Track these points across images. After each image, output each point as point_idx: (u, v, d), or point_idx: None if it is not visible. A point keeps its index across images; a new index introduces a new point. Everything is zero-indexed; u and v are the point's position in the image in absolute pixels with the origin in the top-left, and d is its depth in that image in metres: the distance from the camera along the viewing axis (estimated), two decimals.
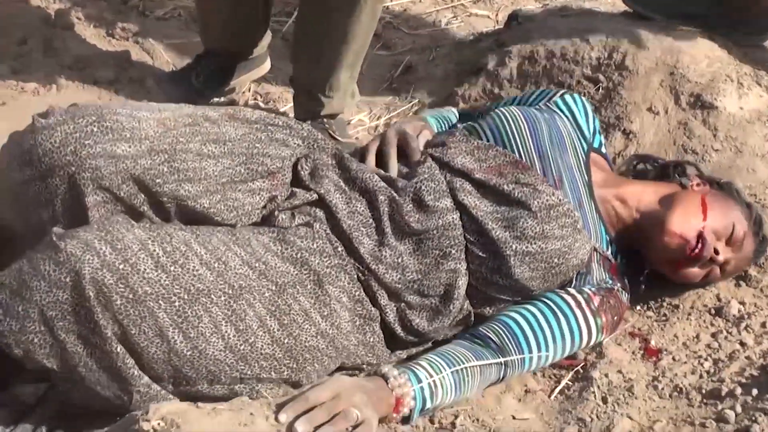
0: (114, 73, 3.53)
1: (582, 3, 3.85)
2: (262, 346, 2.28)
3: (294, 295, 2.34)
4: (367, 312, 2.48)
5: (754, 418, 2.44)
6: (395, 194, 2.53)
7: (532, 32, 3.64)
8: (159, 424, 2.08)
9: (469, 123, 2.80)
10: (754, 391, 2.53)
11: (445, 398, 2.37)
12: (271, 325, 2.29)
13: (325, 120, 3.36)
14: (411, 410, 2.30)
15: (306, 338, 2.34)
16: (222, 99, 3.61)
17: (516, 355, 2.50)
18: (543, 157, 2.66)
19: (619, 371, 2.64)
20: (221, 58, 3.55)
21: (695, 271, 2.75)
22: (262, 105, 3.64)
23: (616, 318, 2.68)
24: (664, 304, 2.87)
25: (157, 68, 3.69)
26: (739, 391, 2.55)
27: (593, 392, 2.56)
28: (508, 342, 2.50)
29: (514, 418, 2.50)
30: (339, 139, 3.34)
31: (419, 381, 2.31)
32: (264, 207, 2.48)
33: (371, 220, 2.51)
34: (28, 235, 2.31)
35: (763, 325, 2.78)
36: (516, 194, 2.56)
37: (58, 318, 2.13)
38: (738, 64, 3.43)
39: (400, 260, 2.50)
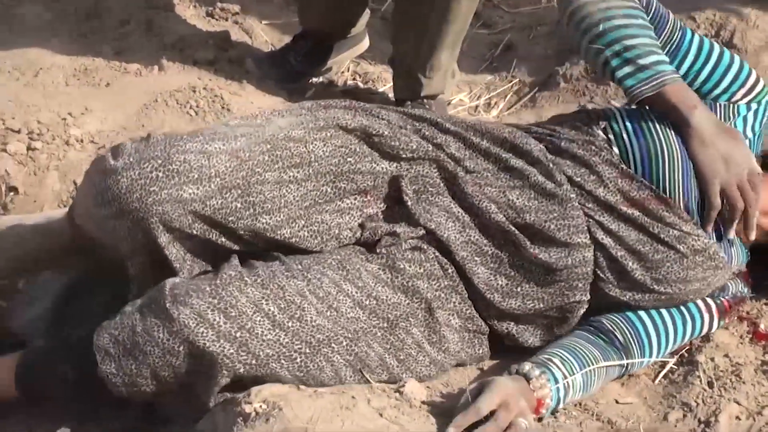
0: (213, 54, 3.55)
1: None
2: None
3: (407, 328, 2.33)
4: (477, 327, 2.45)
5: None
6: (517, 231, 2.38)
7: None
8: (261, 406, 2.12)
9: (618, 125, 2.47)
10: None
11: (573, 397, 2.36)
12: (390, 363, 2.31)
13: (425, 100, 3.34)
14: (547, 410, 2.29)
15: (420, 369, 2.36)
16: (320, 79, 3.62)
17: (638, 357, 2.45)
18: (690, 198, 2.45)
19: (726, 355, 2.58)
20: (319, 38, 3.55)
21: None
22: (361, 85, 3.64)
23: (732, 317, 2.66)
24: None
25: (255, 48, 3.70)
26: None
27: (699, 376, 2.52)
28: (633, 343, 2.45)
29: (617, 402, 2.47)
30: None
31: (556, 381, 2.29)
32: (360, 226, 2.37)
33: (486, 248, 2.40)
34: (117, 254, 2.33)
35: None
36: (663, 236, 2.41)
37: (171, 377, 2.17)
38: None
39: (519, 289, 2.41)
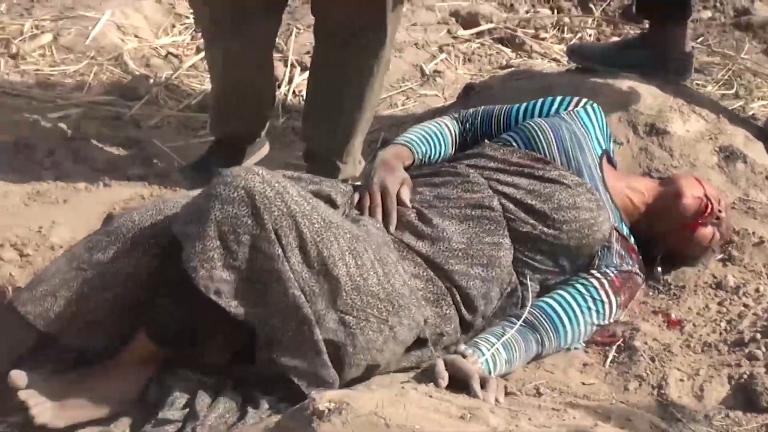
0: (143, 170, 3.94)
1: (528, 66, 4.44)
2: (372, 284, 2.70)
3: (387, 252, 2.82)
4: (434, 284, 2.92)
5: None
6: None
7: (497, 97, 4.08)
8: (330, 404, 2.42)
9: (502, 137, 3.31)
10: None
11: (502, 369, 2.84)
12: (378, 270, 2.72)
13: None
14: None
15: (399, 287, 2.77)
16: None
17: (550, 331, 2.98)
18: (564, 153, 3.20)
19: (655, 339, 3.14)
20: (234, 144, 3.95)
21: (708, 231, 3.34)
22: None
23: (630, 295, 3.21)
24: (672, 287, 3.41)
25: (173, 165, 4.08)
26: (759, 336, 3.10)
27: (641, 355, 3.05)
28: (543, 321, 2.97)
29: (583, 384, 2.97)
30: None
31: (483, 354, 2.79)
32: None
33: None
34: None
35: (756, 290, 3.36)
36: (547, 175, 3.10)
37: (230, 232, 2.56)
38: (674, 98, 4.05)
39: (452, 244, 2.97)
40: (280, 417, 2.56)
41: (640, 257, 3.26)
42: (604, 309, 3.10)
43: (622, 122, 3.92)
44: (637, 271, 3.23)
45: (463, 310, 2.96)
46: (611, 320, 3.15)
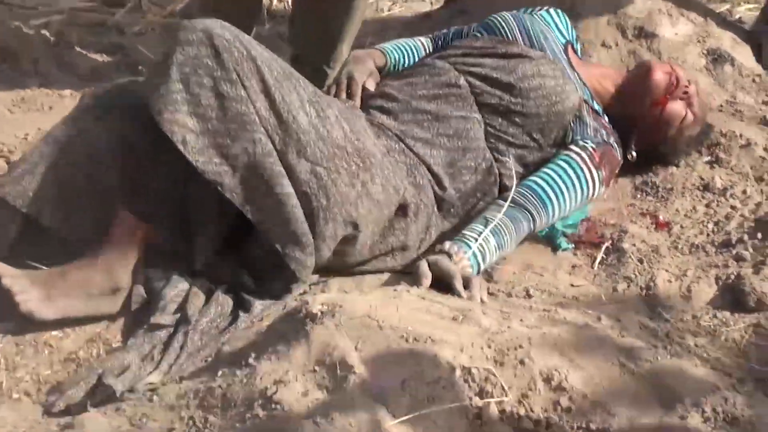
0: (128, 77, 3.88)
1: None
2: (337, 137, 2.66)
3: (353, 117, 2.83)
4: (405, 155, 2.95)
5: (766, 254, 3.02)
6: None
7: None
8: (323, 306, 2.40)
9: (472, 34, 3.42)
10: (759, 236, 3.11)
11: (493, 258, 2.88)
12: (344, 126, 2.71)
13: None
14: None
15: (369, 147, 2.76)
16: None
17: (538, 206, 3.00)
18: (527, 36, 3.27)
19: (643, 241, 3.15)
20: None
21: (678, 108, 3.34)
22: None
23: (611, 171, 3.21)
24: (660, 189, 3.43)
25: None
26: (746, 237, 3.11)
27: (630, 257, 3.06)
28: (530, 197, 3.00)
29: (572, 285, 2.98)
30: None
31: (470, 248, 2.80)
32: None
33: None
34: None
35: (743, 192, 3.37)
36: (509, 51, 3.18)
37: (192, 73, 2.51)
38: (663, 2, 4.04)
39: (422, 117, 3.04)
40: (272, 321, 2.57)
41: (616, 133, 3.27)
42: (587, 183, 3.11)
43: (611, 25, 3.91)
44: (613, 144, 3.23)
45: (433, 182, 2.99)
46: (595, 196, 3.18)
